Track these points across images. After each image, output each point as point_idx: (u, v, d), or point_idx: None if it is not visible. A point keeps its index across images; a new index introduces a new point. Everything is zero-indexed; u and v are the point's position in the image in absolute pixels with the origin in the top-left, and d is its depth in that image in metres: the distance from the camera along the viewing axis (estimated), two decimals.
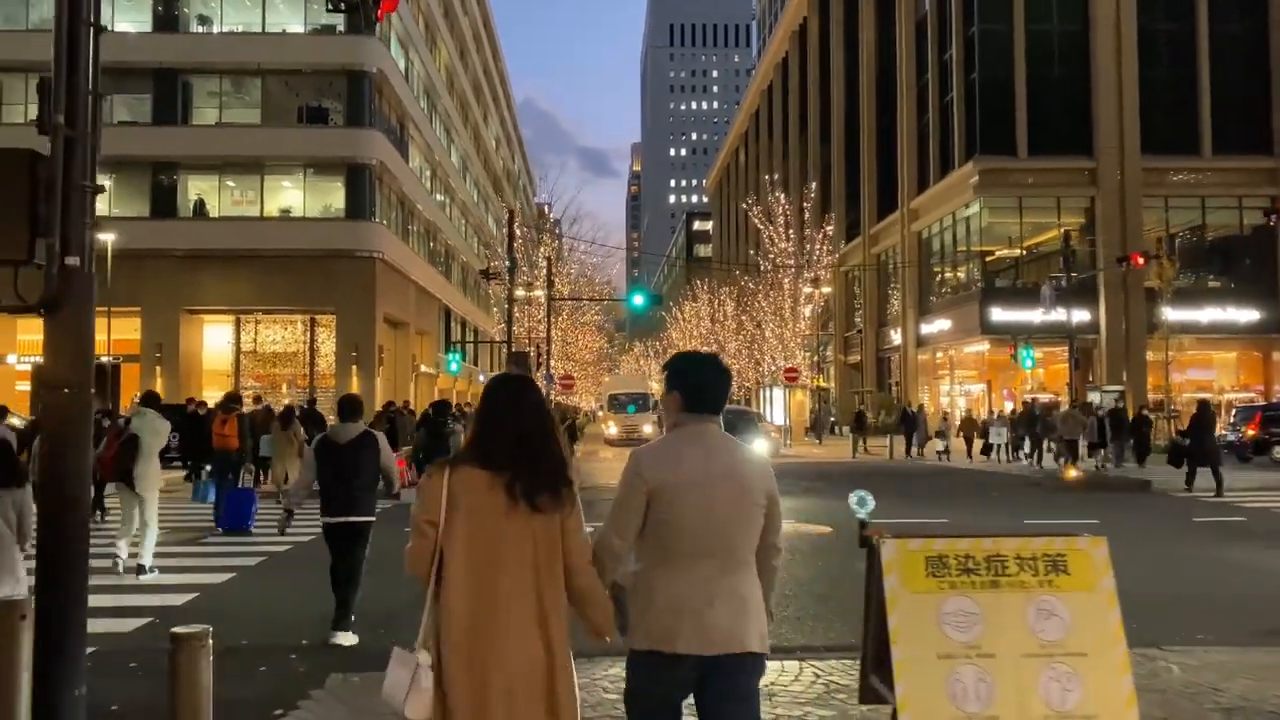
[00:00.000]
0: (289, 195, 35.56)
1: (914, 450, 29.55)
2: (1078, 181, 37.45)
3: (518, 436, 2.93)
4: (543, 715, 2.79)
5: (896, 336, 47.07)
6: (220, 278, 33.08)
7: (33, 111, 4.44)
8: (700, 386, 3.22)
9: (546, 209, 40.08)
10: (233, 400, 14.90)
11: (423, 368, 42.01)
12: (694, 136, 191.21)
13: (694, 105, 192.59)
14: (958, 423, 27.55)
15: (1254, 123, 37.39)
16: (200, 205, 34.71)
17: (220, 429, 13.96)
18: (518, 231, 36.71)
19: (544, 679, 2.81)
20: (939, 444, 27.09)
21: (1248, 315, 36.91)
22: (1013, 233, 38.82)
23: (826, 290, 43.49)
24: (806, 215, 40.04)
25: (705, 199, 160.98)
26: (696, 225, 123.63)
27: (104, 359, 32.93)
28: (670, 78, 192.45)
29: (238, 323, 35.60)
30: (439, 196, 48.06)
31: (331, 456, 6.81)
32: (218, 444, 13.98)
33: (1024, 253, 38.70)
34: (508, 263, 30.48)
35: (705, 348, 61.20)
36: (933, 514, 14.26)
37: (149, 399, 10.49)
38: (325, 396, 32.02)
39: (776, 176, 41.52)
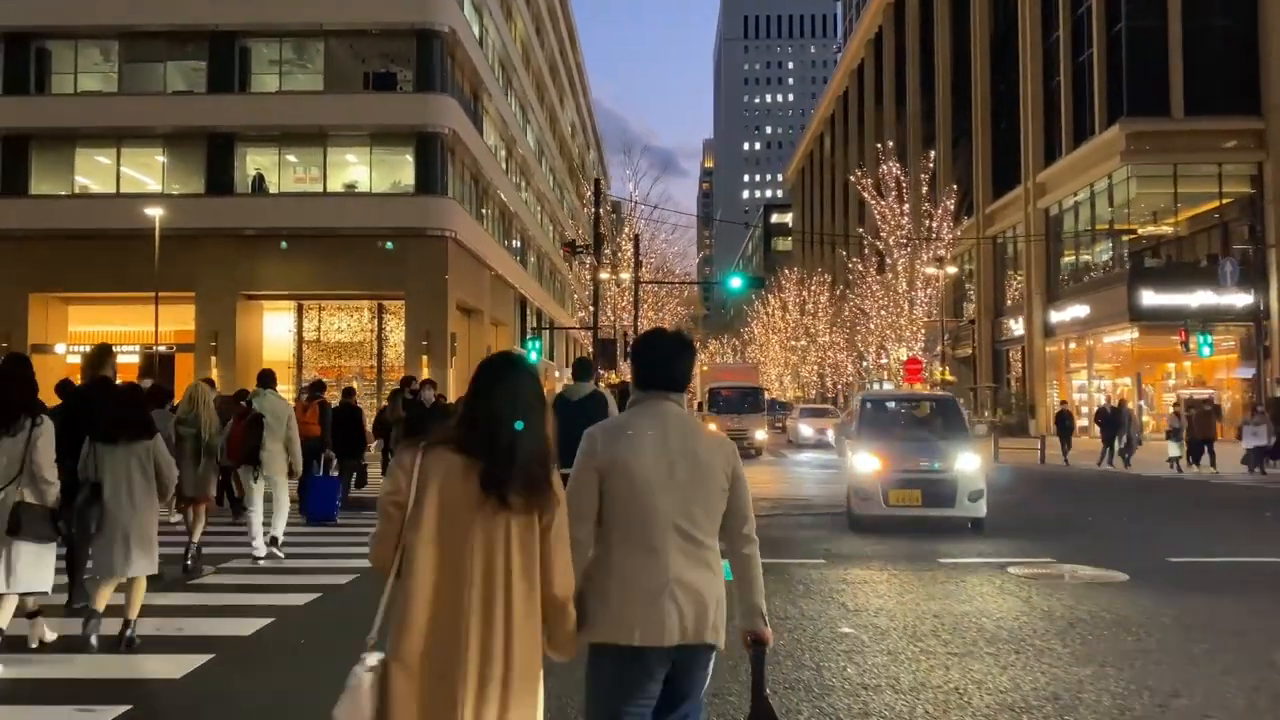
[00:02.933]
0: (354, 170, 32.50)
1: (1110, 457, 23.11)
2: (1243, 145, 32.54)
3: (498, 421, 2.62)
4: None
5: (1018, 326, 42.39)
6: (280, 260, 30.14)
7: None
8: (656, 363, 3.09)
9: (631, 196, 36.47)
10: (317, 388, 14.71)
11: None
12: (769, 130, 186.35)
13: (769, 98, 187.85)
14: (1179, 419, 21.43)
15: None
16: (259, 181, 31.83)
17: (302, 416, 13.64)
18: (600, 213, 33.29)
19: (506, 692, 2.51)
20: (1173, 448, 21.47)
21: None
22: (1165, 204, 34.07)
23: (952, 270, 39.03)
24: (924, 189, 35.65)
25: (780, 193, 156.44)
26: (775, 218, 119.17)
27: (158, 348, 30.32)
28: (745, 70, 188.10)
29: (299, 309, 32.64)
30: (514, 178, 44.79)
31: (565, 411, 6.14)
32: (301, 432, 13.20)
33: (1175, 227, 33.94)
34: (590, 240, 26.87)
35: (794, 342, 57.20)
36: None
37: (266, 378, 10.31)
38: (392, 388, 28.78)
39: (891, 144, 37.14)
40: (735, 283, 28.99)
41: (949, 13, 50.84)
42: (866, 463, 11.43)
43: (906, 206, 35.92)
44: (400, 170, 32.18)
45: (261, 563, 9.14)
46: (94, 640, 5.78)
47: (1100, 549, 10.03)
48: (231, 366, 29.52)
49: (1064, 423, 25.17)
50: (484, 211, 38.05)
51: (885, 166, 36.06)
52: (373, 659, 2.54)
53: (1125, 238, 34.97)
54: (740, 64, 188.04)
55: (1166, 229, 34.44)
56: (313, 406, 13.91)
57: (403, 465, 2.65)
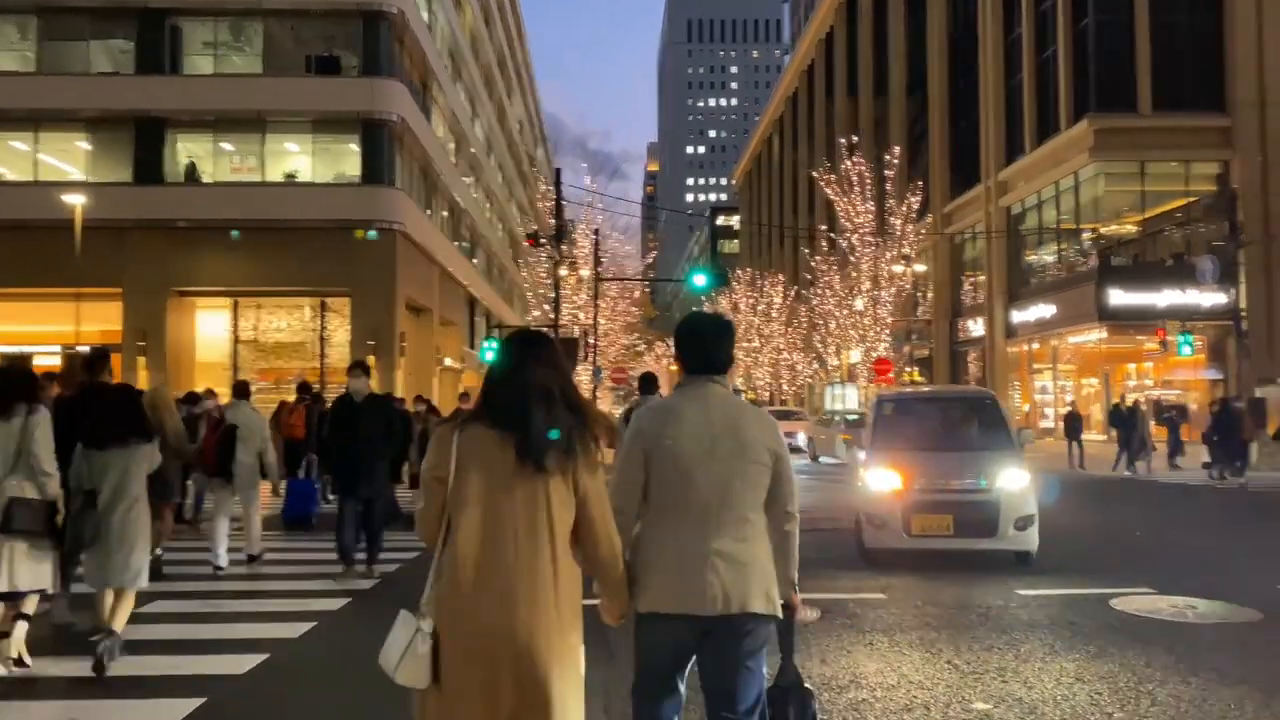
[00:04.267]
0: (295, 159, 30.57)
1: (1128, 462, 21.78)
2: (1209, 142, 32.15)
3: (527, 392, 2.74)
4: (545, 692, 2.60)
5: (977, 327, 41.75)
6: (215, 255, 28.14)
7: None
8: (697, 346, 3.19)
9: (589, 187, 34.98)
10: (304, 389, 15.04)
11: (447, 361, 36.94)
12: (713, 134, 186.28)
13: (713, 102, 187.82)
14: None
15: None
16: (192, 169, 29.75)
17: (288, 418, 14.00)
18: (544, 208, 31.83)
19: (553, 654, 2.62)
20: (1206, 453, 20.16)
21: None
22: (1132, 202, 33.56)
23: (921, 268, 38.17)
24: (889, 186, 34.70)
25: (725, 197, 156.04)
26: (721, 220, 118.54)
27: (80, 349, 28.03)
28: (689, 75, 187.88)
29: (235, 307, 30.58)
30: (464, 172, 43.04)
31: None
32: (285, 432, 13.96)
33: (1142, 226, 33.44)
34: (551, 232, 25.40)
35: (746, 343, 56.16)
36: None
37: (240, 389, 10.18)
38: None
39: (856, 138, 36.21)
40: (699, 280, 27.54)
41: (904, 11, 50.21)
42: (882, 480, 8.94)
43: (870, 204, 34.91)
44: (345, 160, 30.35)
45: (221, 573, 8.84)
46: (110, 659, 5.45)
47: (1189, 574, 8.59)
48: (162, 368, 27.43)
49: (1074, 424, 23.98)
50: (433, 206, 36.32)
51: (848, 163, 34.99)
52: (428, 624, 2.62)
53: (1090, 236, 34.42)
54: (684, 68, 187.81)
55: (1132, 227, 33.96)
56: (299, 409, 14.13)
57: (442, 442, 2.75)
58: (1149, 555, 10.07)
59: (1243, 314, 28.78)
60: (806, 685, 3.25)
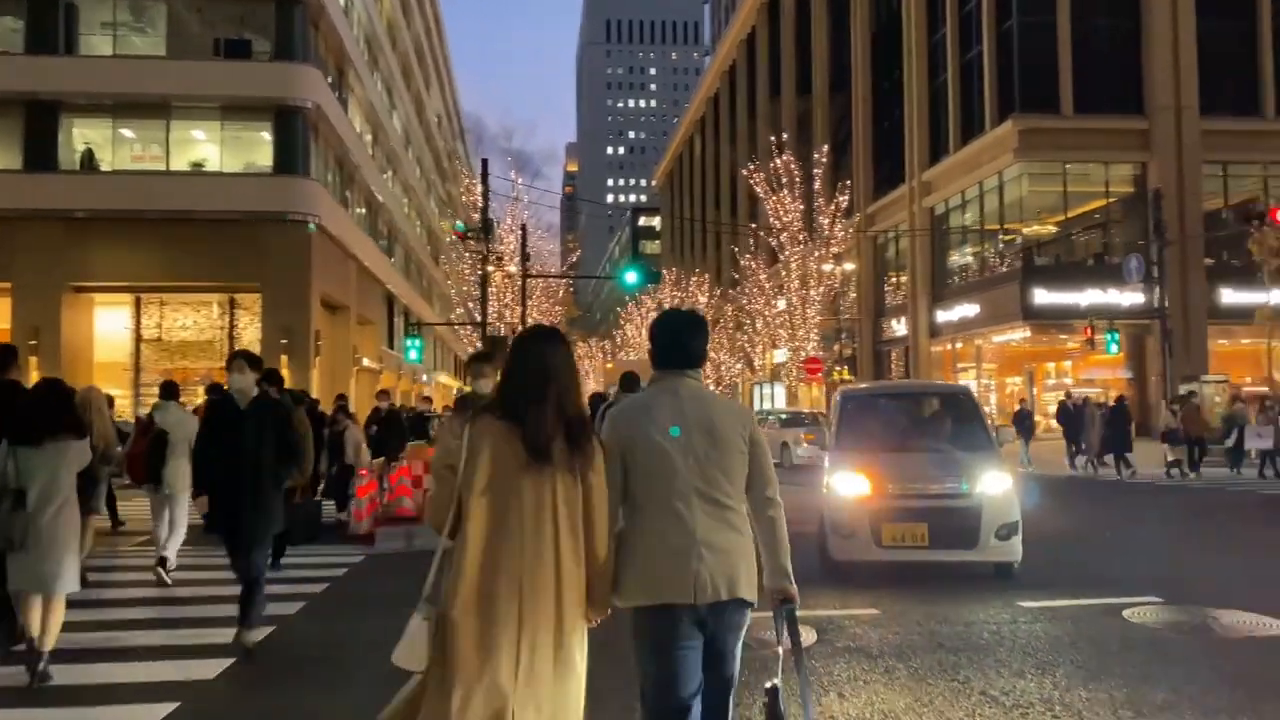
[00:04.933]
0: (202, 147, 28.89)
1: (1087, 460, 21.56)
2: (1128, 145, 32.72)
3: (538, 387, 2.82)
4: (552, 676, 2.69)
5: (901, 327, 41.98)
6: (115, 247, 26.38)
7: None
8: (671, 341, 3.23)
9: (514, 181, 33.93)
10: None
11: (364, 361, 35.50)
12: (632, 135, 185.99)
13: (632, 103, 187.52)
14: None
15: None
16: (89, 157, 27.87)
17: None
18: (475, 202, 30.72)
19: (556, 642, 2.70)
20: (1169, 451, 19.33)
21: None
22: (1052, 203, 33.95)
23: (850, 267, 38.07)
24: (817, 184, 34.51)
25: (646, 198, 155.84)
26: (643, 221, 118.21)
27: None
28: (608, 75, 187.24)
29: (138, 303, 28.78)
30: (381, 165, 41.57)
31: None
32: None
33: (1064, 226, 33.87)
34: (477, 225, 24.42)
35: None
36: None
37: (169, 390, 9.70)
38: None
39: (785, 136, 35.95)
40: (630, 277, 26.83)
41: (827, 12, 50.33)
42: (849, 484, 8.01)
43: (799, 203, 34.67)
44: (256, 149, 28.83)
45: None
46: (41, 677, 5.24)
47: (1183, 579, 8.07)
48: (56, 368, 25.55)
49: (1024, 423, 23.73)
50: (350, 199, 34.88)
51: (777, 161, 34.69)
52: (427, 609, 2.73)
53: (1010, 237, 34.72)
54: (603, 68, 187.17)
55: (1053, 227, 34.36)
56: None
57: (454, 432, 2.94)
58: (1132, 558, 9.64)
59: (1160, 313, 29.26)
60: (800, 678, 3.13)
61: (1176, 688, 4.92)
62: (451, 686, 2.63)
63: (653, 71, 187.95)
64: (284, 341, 26.80)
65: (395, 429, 14.06)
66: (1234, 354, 33.30)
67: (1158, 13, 32.21)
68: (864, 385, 12.00)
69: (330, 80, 31.12)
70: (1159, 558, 9.56)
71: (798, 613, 3.10)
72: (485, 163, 24.68)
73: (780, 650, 3.13)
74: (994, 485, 7.90)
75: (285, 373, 26.36)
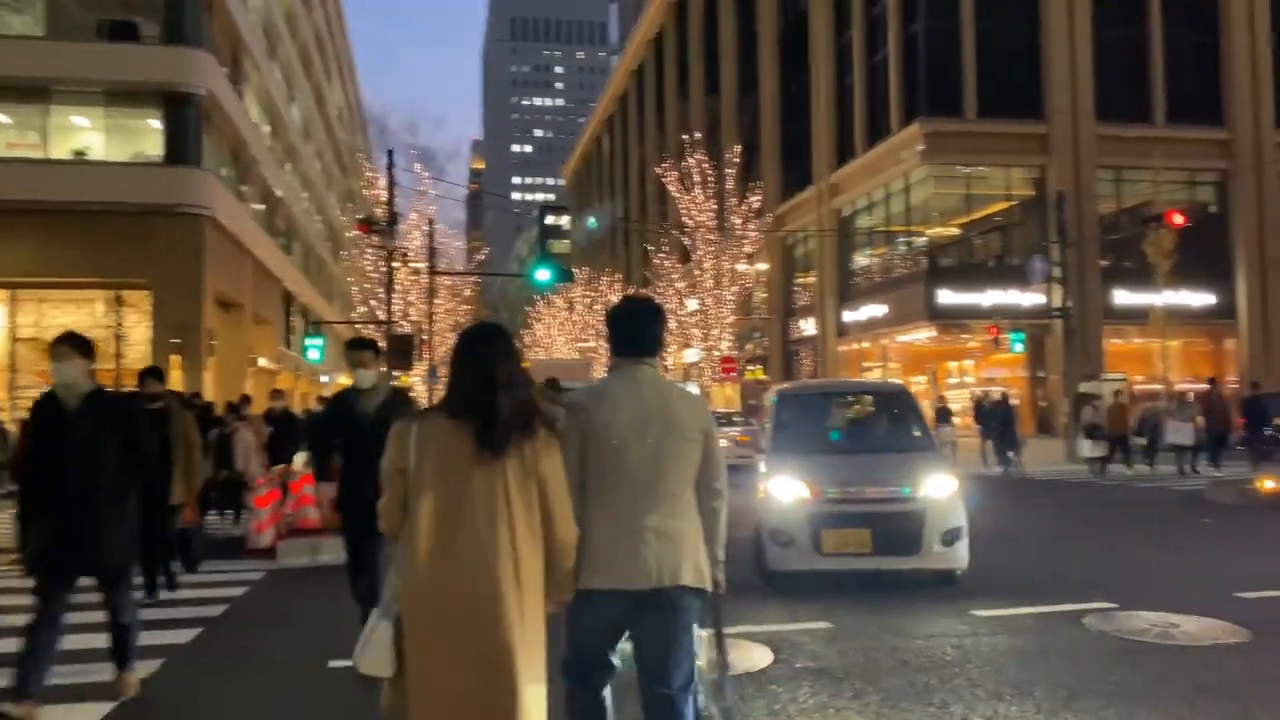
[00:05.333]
0: (85, 134, 27.21)
1: (1008, 460, 20.87)
2: (1028, 148, 33.50)
3: (484, 382, 2.84)
4: (510, 676, 2.67)
5: (810, 326, 42.31)
6: None
7: None
8: (627, 329, 3.28)
9: (419, 173, 32.89)
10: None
11: (261, 361, 34.02)
12: (539, 134, 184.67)
13: (538, 101, 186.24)
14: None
15: (1206, 90, 34.53)
16: None
17: None
18: (378, 195, 29.63)
19: (518, 637, 2.69)
20: (1090, 447, 18.92)
21: (1202, 300, 33.81)
22: (957, 206, 34.57)
23: (764, 267, 38.09)
24: (730, 184, 34.42)
25: (555, 197, 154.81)
26: (550, 220, 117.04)
27: None
28: (513, 72, 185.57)
29: (13, 300, 26.93)
30: (280, 158, 39.98)
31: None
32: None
33: (968, 228, 34.53)
34: (383, 218, 23.51)
35: (581, 343, 55.24)
36: None
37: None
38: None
39: (698, 135, 35.76)
40: (543, 274, 26.16)
41: (734, 13, 50.48)
42: (787, 489, 7.60)
43: (712, 202, 34.53)
44: (145, 137, 27.27)
45: None
46: None
47: (1126, 582, 7.86)
48: None
49: (945, 420, 23.62)
50: (245, 192, 33.37)
51: (690, 160, 34.50)
52: (391, 611, 2.71)
53: (914, 238, 35.22)
54: (509, 66, 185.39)
55: (956, 230, 34.97)
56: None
57: (400, 435, 2.84)
58: (1071, 560, 9.45)
59: (1063, 314, 29.96)
60: (719, 661, 3.19)
61: (1162, 706, 4.65)
62: (412, 684, 2.65)
63: (559, 70, 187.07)
64: (175, 341, 25.39)
65: (289, 432, 13.19)
66: (1126, 353, 34.42)
67: (1056, 19, 33.05)
68: (799, 384, 11.50)
69: (225, 68, 29.69)
70: (1097, 559, 9.40)
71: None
72: (390, 154, 23.81)
73: (703, 634, 3.24)
74: (938, 488, 7.57)
75: (177, 374, 25.09)
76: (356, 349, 5.54)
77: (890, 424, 8.73)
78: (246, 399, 14.90)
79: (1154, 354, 35.58)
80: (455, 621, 2.64)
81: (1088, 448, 19.14)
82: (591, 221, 24.46)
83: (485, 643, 2.64)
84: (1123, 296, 33.49)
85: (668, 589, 3.02)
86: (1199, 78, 34.52)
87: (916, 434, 8.38)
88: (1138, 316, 33.14)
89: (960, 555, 7.50)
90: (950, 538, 7.42)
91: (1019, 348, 25.58)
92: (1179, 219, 21.46)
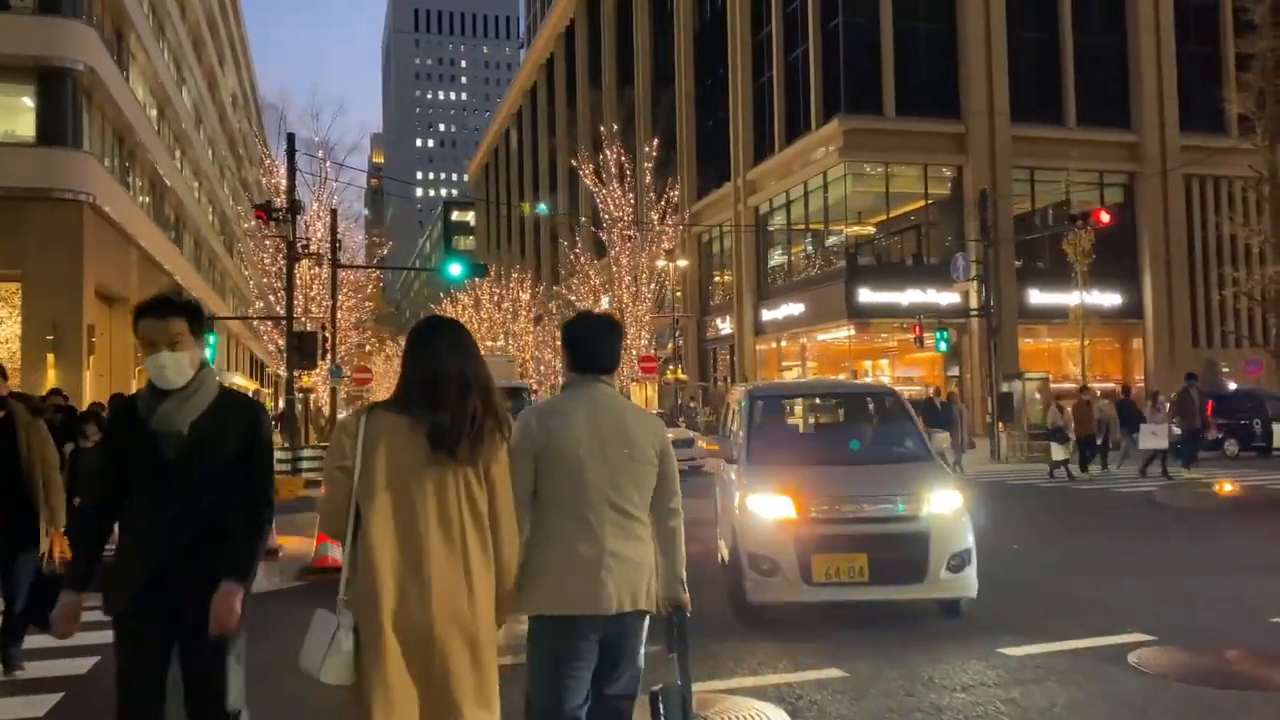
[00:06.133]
0: None
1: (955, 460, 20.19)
2: (945, 147, 33.51)
3: (437, 379, 2.71)
4: (467, 680, 2.63)
5: (726, 325, 41.78)
6: None
7: None
8: (585, 345, 3.21)
9: (321, 160, 31.02)
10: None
11: None
12: (442, 128, 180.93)
13: (442, 95, 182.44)
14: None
15: (1115, 93, 35.09)
16: None
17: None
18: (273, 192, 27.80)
19: (469, 643, 2.64)
20: (1059, 450, 17.92)
21: (1110, 300, 34.34)
22: (875, 204, 34.37)
23: (683, 264, 37.27)
24: (647, 179, 33.55)
25: (458, 192, 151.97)
26: (456, 215, 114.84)
27: None
28: (416, 65, 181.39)
29: None
30: (169, 145, 37.49)
31: None
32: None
33: (886, 226, 34.38)
34: (282, 205, 21.85)
35: (490, 342, 53.73)
36: None
37: None
38: None
39: (615, 128, 34.76)
40: (455, 269, 24.91)
41: (649, 6, 49.68)
42: (769, 506, 6.54)
43: (629, 196, 33.58)
44: (15, 115, 24.96)
45: None
46: None
47: (1151, 607, 7.02)
48: None
49: (940, 421, 22.66)
50: (130, 178, 31.04)
51: (607, 153, 33.50)
52: (348, 619, 2.59)
53: (832, 236, 34.90)
54: (411, 58, 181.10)
55: (870, 229, 34.78)
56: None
57: (347, 431, 2.69)
58: (1074, 581, 8.30)
59: (986, 313, 29.90)
60: (684, 689, 3.18)
61: None
62: (369, 691, 2.56)
63: (463, 64, 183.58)
64: (50, 338, 23.24)
65: None
66: (1036, 352, 34.76)
67: (973, 20, 33.11)
68: (773, 384, 9.99)
69: (109, 43, 27.44)
70: (1103, 576, 8.38)
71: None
72: (291, 138, 22.12)
73: (671, 656, 3.20)
74: (942, 504, 6.57)
75: (51, 374, 22.93)
76: (154, 316, 3.17)
77: (881, 430, 7.74)
78: (102, 405, 12.85)
79: (1063, 353, 36.39)
80: (407, 635, 2.57)
81: (1057, 450, 18.09)
82: (542, 207, 23.11)
83: (434, 659, 2.58)
84: (1036, 296, 33.78)
85: (629, 614, 3.00)
86: (1108, 81, 35.05)
87: (911, 441, 7.37)
88: (1049, 316, 33.58)
89: (969, 582, 6.48)
90: (958, 562, 6.42)
91: (943, 346, 25.29)
92: (1105, 216, 21.31)
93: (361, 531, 2.62)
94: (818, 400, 8.43)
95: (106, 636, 3.00)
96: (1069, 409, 18.51)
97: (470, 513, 2.67)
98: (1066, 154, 33.82)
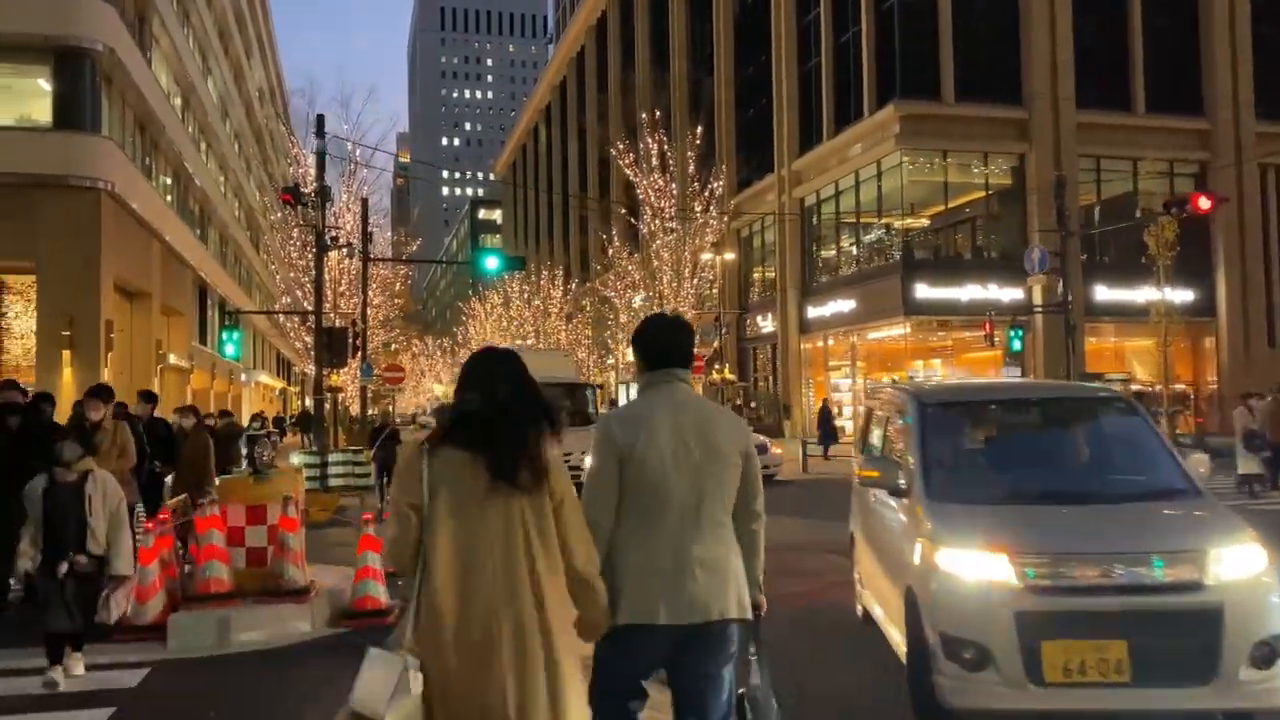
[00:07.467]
0: None
1: None
2: (1007, 134, 31.62)
3: (496, 411, 2.73)
4: (547, 709, 2.57)
5: (767, 323, 40.06)
6: None
7: None
8: (661, 342, 3.17)
9: (351, 149, 29.53)
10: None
11: (171, 358, 30.39)
12: (468, 127, 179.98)
13: (468, 94, 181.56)
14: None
15: (1185, 77, 33.08)
16: None
17: None
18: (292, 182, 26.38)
19: (544, 677, 2.58)
20: (1247, 463, 14.91)
21: (1180, 296, 32.30)
22: (932, 194, 32.52)
23: (730, 256, 35.61)
24: (691, 168, 31.83)
25: (483, 191, 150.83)
26: (483, 214, 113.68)
27: None
28: (442, 64, 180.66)
29: None
30: (194, 135, 36.26)
31: None
32: None
33: (945, 217, 32.52)
34: (312, 192, 20.40)
35: (520, 341, 52.21)
36: None
37: None
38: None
39: (658, 114, 33.11)
40: (491, 262, 23.40)
41: None
42: (972, 566, 4.66)
43: (673, 187, 31.92)
44: (30, 99, 23.69)
45: None
46: None
47: None
48: None
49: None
50: (154, 168, 29.77)
51: (649, 140, 31.82)
52: (415, 662, 2.55)
53: (887, 229, 33.11)
54: (437, 57, 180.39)
55: (926, 220, 32.96)
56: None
57: (411, 469, 2.69)
58: None
59: (1039, 308, 27.94)
60: (766, 689, 3.16)
61: None
62: None
63: (489, 63, 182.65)
64: (65, 333, 21.89)
65: (163, 447, 9.87)
66: (1099, 352, 32.84)
67: (1036, 1, 31.23)
68: (949, 388, 6.71)
69: (131, 24, 26.15)
70: None
71: None
72: (321, 118, 20.64)
73: (752, 658, 3.19)
74: (1239, 565, 4.57)
75: (68, 371, 21.60)
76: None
77: (1114, 451, 5.69)
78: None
79: (1128, 353, 34.43)
80: (477, 668, 2.53)
81: (1248, 462, 15.03)
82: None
83: (508, 699, 2.52)
84: (1102, 292, 31.88)
85: (715, 623, 2.91)
86: (1178, 64, 33.05)
87: (1164, 467, 5.32)
88: (1116, 313, 31.69)
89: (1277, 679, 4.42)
90: (1266, 652, 4.38)
91: (1017, 345, 23.47)
92: (1205, 203, 19.39)
93: (427, 569, 2.61)
94: (1012, 407, 6.17)
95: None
96: (1261, 410, 15.34)
97: (540, 543, 2.65)
98: (1134, 141, 31.94)
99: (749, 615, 3.02)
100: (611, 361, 41.68)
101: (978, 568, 4.62)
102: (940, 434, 5.64)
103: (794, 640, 6.31)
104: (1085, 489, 5.28)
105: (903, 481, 5.36)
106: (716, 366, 31.06)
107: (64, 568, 5.61)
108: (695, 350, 22.12)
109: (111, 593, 5.90)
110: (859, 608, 6.63)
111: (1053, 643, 4.35)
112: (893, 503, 5.58)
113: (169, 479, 10.22)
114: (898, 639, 5.36)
